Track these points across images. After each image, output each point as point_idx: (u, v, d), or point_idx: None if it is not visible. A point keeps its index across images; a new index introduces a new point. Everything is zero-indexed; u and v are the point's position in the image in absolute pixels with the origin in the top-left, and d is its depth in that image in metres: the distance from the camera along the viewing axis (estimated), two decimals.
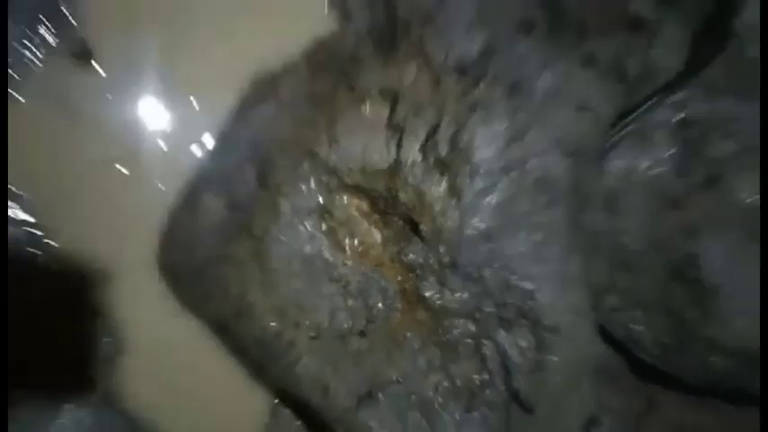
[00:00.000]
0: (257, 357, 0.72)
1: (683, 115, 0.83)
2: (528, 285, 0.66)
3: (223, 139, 0.75)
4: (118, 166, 0.77)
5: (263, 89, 0.74)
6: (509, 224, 0.65)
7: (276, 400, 0.79)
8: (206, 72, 0.75)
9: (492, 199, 0.64)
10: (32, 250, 0.73)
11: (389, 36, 0.70)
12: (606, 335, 0.76)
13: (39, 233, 0.74)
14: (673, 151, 0.82)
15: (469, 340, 0.68)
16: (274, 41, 0.75)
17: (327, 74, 0.71)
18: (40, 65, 0.72)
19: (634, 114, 0.82)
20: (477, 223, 0.64)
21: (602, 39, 0.81)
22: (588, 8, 0.81)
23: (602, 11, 0.81)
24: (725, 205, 0.77)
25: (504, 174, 0.65)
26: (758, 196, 0.79)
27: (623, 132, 0.80)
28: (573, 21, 0.81)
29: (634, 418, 0.84)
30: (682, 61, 0.81)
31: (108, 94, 0.75)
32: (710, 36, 0.81)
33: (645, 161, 0.79)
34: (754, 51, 0.80)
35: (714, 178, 0.80)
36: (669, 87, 0.81)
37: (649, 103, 0.81)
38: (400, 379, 0.69)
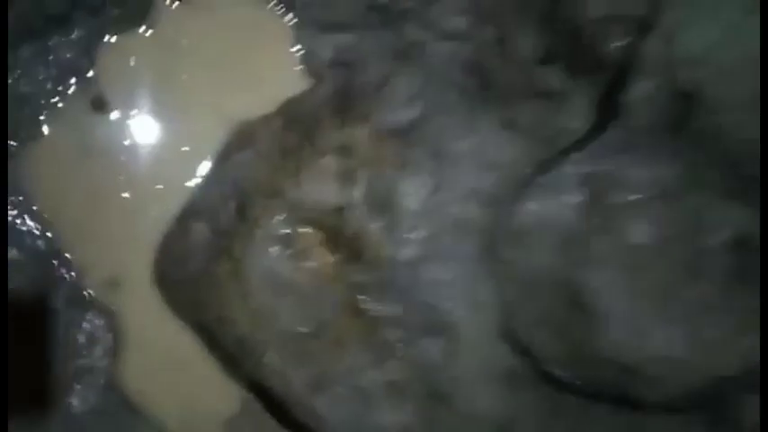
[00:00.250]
0: (234, 354, 0.91)
1: (587, 170, 1.01)
2: (445, 304, 0.85)
3: (210, 177, 0.93)
4: (123, 194, 0.96)
5: (244, 138, 0.93)
6: (431, 255, 0.83)
7: (248, 392, 0.97)
8: (198, 122, 0.94)
9: (417, 235, 0.83)
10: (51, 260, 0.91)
11: (346, 103, 0.89)
12: (516, 346, 0.95)
13: (57, 246, 0.93)
14: (577, 199, 1.00)
15: (400, 344, 0.86)
16: (255, 99, 0.94)
17: (296, 129, 0.90)
18: (65, 109, 0.90)
19: (547, 167, 1.00)
20: (406, 253, 0.83)
21: (522, 106, 1.00)
22: (512, 82, 1.00)
23: (523, 84, 1.01)
24: (613, 245, 0.96)
25: (427, 216, 0.83)
26: (645, 240, 0.99)
27: (537, 181, 1.00)
28: (499, 92, 1.01)
29: (542, 417, 1.03)
30: (585, 126, 0.97)
31: (117, 136, 0.93)
32: (608, 106, 1.00)
33: (553, 206, 0.92)
34: (642, 120, 0.99)
35: (608, 222, 1.00)
36: (576, 146, 0.94)
37: (560, 158, 0.94)
38: (345, 373, 0.87)
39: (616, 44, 0.91)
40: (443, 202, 0.83)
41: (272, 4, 0.93)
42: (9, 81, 0.79)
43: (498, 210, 0.92)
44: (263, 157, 0.86)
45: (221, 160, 0.93)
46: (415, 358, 0.86)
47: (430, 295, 0.85)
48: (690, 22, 0.89)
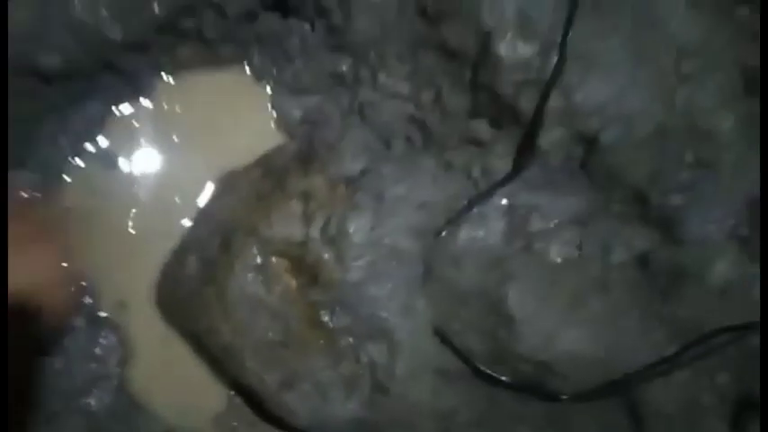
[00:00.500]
0: (219, 359, 1.05)
1: (510, 202, 1.14)
2: (384, 314, 1.04)
3: (200, 218, 1.12)
4: (131, 229, 1.16)
5: (228, 185, 1.13)
6: (373, 277, 1.03)
7: (231, 389, 1.12)
8: (190, 173, 1.13)
9: (361, 262, 1.02)
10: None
11: (308, 156, 1.09)
12: (449, 348, 1.14)
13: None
14: (502, 226, 1.17)
15: (351, 349, 1.03)
16: (237, 153, 1.14)
17: (270, 178, 1.10)
18: (82, 165, 1.10)
19: (477, 201, 1.10)
20: (353, 277, 1.02)
21: (457, 151, 1.18)
22: (448, 132, 1.18)
23: (457, 134, 1.18)
24: (532, 264, 1.13)
25: (368, 247, 1.02)
26: (559, 259, 1.18)
27: (469, 213, 1.09)
28: (438, 141, 1.19)
29: (479, 408, 1.20)
30: (509, 166, 1.10)
31: (125, 186, 1.11)
32: (526, 150, 1.16)
33: (482, 233, 1.08)
34: (555, 161, 1.14)
35: (528, 245, 1.17)
36: (501, 183, 1.09)
37: (488, 194, 1.10)
38: (309, 373, 1.02)
39: (528, 102, 1.10)
40: (382, 235, 1.02)
41: (249, 73, 1.12)
42: (38, 145, 0.98)
43: (432, 238, 1.12)
44: (243, 201, 1.05)
45: (209, 204, 1.13)
46: (363, 359, 1.05)
47: (372, 309, 1.03)
48: (584, 84, 1.07)
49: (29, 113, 0.92)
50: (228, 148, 1.05)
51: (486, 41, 1.00)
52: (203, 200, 1.08)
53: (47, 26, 0.85)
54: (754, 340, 1.07)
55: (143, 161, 1.04)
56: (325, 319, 1.02)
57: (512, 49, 1.00)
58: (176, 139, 1.04)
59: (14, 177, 0.96)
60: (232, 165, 1.04)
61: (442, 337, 1.04)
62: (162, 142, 1.04)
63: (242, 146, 1.05)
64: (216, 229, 1.01)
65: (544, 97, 1.02)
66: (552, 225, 1.10)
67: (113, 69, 0.94)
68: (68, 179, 1.00)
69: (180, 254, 1.02)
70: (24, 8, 0.84)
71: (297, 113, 1.11)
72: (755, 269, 1.07)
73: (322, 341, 1.02)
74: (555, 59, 1.01)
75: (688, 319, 1.08)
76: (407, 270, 1.00)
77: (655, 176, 1.06)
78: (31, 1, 0.85)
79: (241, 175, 1.02)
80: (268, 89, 1.08)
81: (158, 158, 1.05)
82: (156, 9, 0.91)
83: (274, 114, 1.09)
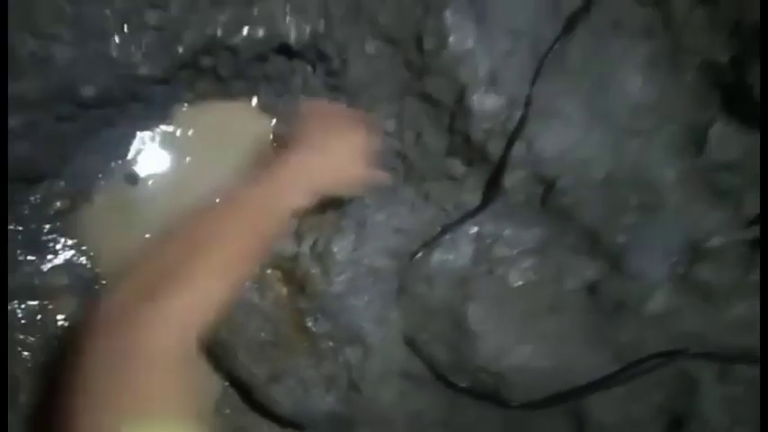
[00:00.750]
0: (217, 353, 1.22)
1: (478, 231, 1.30)
2: (359, 322, 1.21)
3: None
4: (146, 235, 1.32)
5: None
6: (352, 291, 1.20)
7: (226, 381, 1.27)
8: (197, 188, 1.27)
9: (343, 277, 1.19)
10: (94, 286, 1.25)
11: None
12: (417, 356, 1.31)
13: (98, 276, 1.27)
14: (470, 251, 1.34)
15: (331, 352, 1.20)
16: (240, 173, 1.31)
17: None
18: (107, 183, 1.26)
19: (449, 229, 1.24)
20: (335, 289, 1.19)
21: (434, 184, 1.34)
22: (427, 167, 1.34)
23: (435, 169, 1.35)
24: (493, 286, 1.29)
25: (350, 264, 1.18)
26: (518, 283, 1.34)
27: (442, 238, 1.24)
28: (418, 174, 1.36)
29: (443, 412, 1.36)
30: (478, 200, 1.26)
31: (144, 200, 1.28)
32: (494, 187, 1.34)
33: (451, 257, 1.21)
34: (518, 198, 1.28)
35: (492, 269, 1.33)
36: (471, 214, 1.22)
37: (459, 223, 1.24)
38: (294, 370, 1.16)
39: (495, 147, 1.27)
40: (362, 255, 1.19)
41: (256, 105, 1.29)
42: (73, 160, 1.15)
43: (409, 259, 1.29)
44: None
45: None
46: (341, 361, 1.22)
47: (351, 318, 1.21)
48: (545, 135, 1.23)
49: (67, 134, 1.08)
50: (233, 169, 1.20)
51: (461, 94, 1.16)
52: None
53: (86, 62, 1.02)
54: (684, 365, 1.22)
55: (159, 179, 1.19)
56: (310, 324, 1.16)
57: (483, 101, 1.16)
58: (189, 159, 1.18)
59: (50, 186, 1.12)
60: (234, 184, 1.19)
61: (411, 345, 1.20)
62: (177, 162, 1.19)
63: (245, 167, 1.20)
64: None
65: (509, 144, 1.17)
66: (514, 253, 1.25)
67: (140, 99, 1.11)
68: (94, 193, 1.14)
69: None
70: (69, 47, 1.00)
71: None
72: (686, 302, 1.22)
73: (306, 344, 1.16)
74: (520, 112, 1.16)
75: (628, 343, 1.23)
76: (383, 286, 1.16)
77: (604, 217, 1.21)
78: (75, 41, 1.00)
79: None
80: (273, 120, 1.22)
81: (172, 177, 1.19)
82: (180, 50, 1.07)
83: (275, 143, 1.24)
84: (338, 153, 0.96)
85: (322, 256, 1.13)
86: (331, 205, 1.09)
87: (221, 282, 0.69)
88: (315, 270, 1.12)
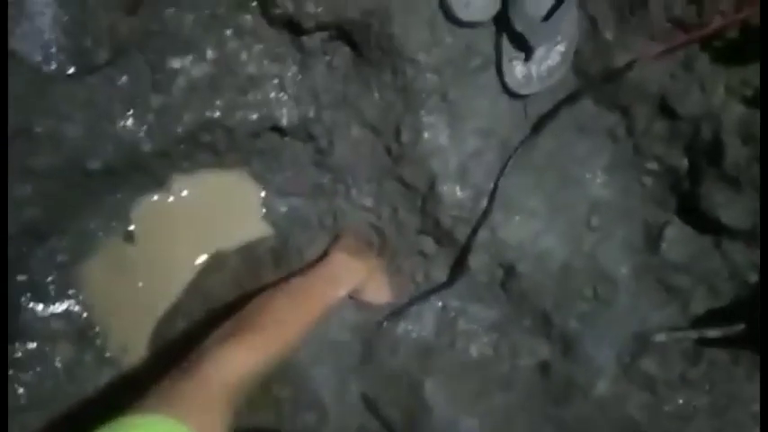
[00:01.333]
0: None
1: (443, 305, 1.44)
2: (320, 390, 1.33)
3: (190, 288, 1.46)
4: (138, 284, 1.46)
5: (214, 265, 1.44)
6: (317, 360, 1.33)
7: None
8: (186, 250, 1.42)
9: (308, 351, 1.33)
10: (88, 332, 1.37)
11: (280, 255, 1.38)
12: (376, 417, 1.42)
13: (92, 322, 1.40)
14: (434, 324, 1.45)
15: (292, 413, 1.37)
16: (230, 237, 1.44)
17: (247, 265, 1.40)
18: (106, 240, 1.39)
19: (416, 301, 1.35)
20: (301, 360, 1.33)
21: (406, 260, 1.47)
22: (401, 243, 1.46)
23: (408, 245, 1.47)
24: (451, 359, 1.40)
25: (314, 338, 1.33)
26: (475, 357, 1.45)
27: (409, 310, 1.44)
28: (392, 249, 1.48)
29: None
30: (445, 277, 1.38)
31: (139, 257, 1.43)
32: (459, 266, 1.44)
33: (415, 328, 1.31)
34: (481, 279, 1.41)
35: (453, 342, 1.44)
36: (438, 289, 1.33)
37: (426, 296, 1.35)
38: (254, 429, 1.37)
39: (462, 232, 1.38)
40: (326, 331, 1.33)
41: (249, 176, 1.42)
42: (78, 220, 1.29)
43: (377, 326, 1.40)
44: (224, 284, 1.36)
45: (198, 279, 1.42)
46: (299, 424, 1.34)
47: (313, 384, 1.34)
48: (507, 225, 1.34)
49: (73, 198, 1.22)
50: (223, 232, 1.32)
51: (433, 182, 1.27)
52: (196, 273, 1.34)
53: (94, 140, 1.15)
54: None
55: (154, 239, 1.32)
56: (278, 394, 1.28)
57: (452, 192, 1.27)
58: (184, 223, 1.31)
59: (56, 242, 1.26)
60: (224, 246, 1.32)
61: (370, 406, 1.32)
62: (172, 224, 1.32)
63: (234, 231, 1.32)
64: (203, 302, 1.30)
65: (474, 231, 1.28)
66: (475, 328, 1.37)
67: (141, 169, 1.25)
68: (94, 248, 1.27)
69: (170, 317, 1.31)
70: (80, 125, 1.14)
71: (283, 209, 1.38)
72: (630, 390, 1.32)
73: (274, 407, 1.27)
74: (485, 204, 1.27)
75: (573, 424, 1.33)
76: (348, 356, 1.28)
77: (558, 303, 1.31)
78: (86, 120, 1.14)
79: (225, 257, 1.31)
80: (262, 191, 1.35)
81: (165, 237, 1.33)
82: (180, 130, 1.21)
83: (263, 210, 1.37)
84: (371, 265, 1.26)
85: None
86: None
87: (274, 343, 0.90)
88: None
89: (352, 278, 1.17)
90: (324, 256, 1.24)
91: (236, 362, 0.79)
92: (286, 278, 1.11)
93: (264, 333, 0.88)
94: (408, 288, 1.30)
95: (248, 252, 1.28)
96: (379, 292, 1.30)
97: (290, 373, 1.19)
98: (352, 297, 1.24)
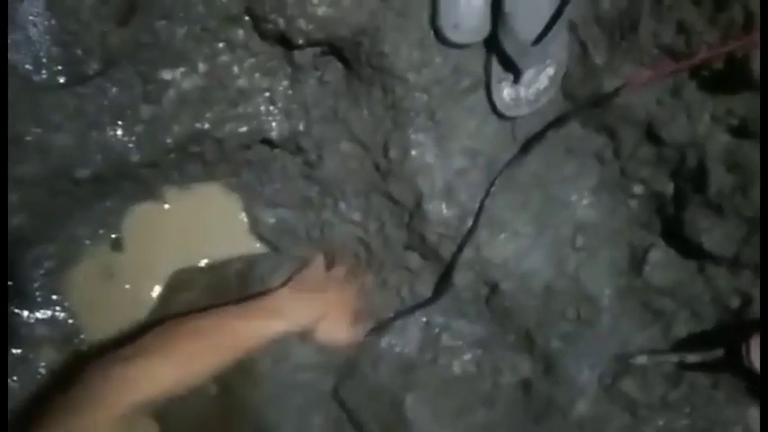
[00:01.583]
0: None
1: (427, 320, 1.44)
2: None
3: (159, 304, 1.45)
4: (125, 286, 1.46)
5: (180, 283, 1.44)
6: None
7: None
8: (170, 259, 1.42)
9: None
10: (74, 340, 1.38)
11: (245, 279, 1.38)
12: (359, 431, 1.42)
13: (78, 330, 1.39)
14: (418, 340, 1.46)
15: None
16: (215, 250, 1.45)
17: (214, 285, 1.41)
18: (94, 248, 1.38)
19: (401, 316, 1.36)
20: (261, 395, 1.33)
21: (393, 273, 1.47)
22: (387, 257, 1.47)
23: (394, 260, 1.48)
24: (434, 375, 1.40)
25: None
26: (459, 374, 1.45)
27: (393, 324, 1.42)
28: (379, 262, 1.49)
29: None
30: (431, 292, 1.37)
31: (128, 265, 1.43)
32: (444, 283, 1.44)
33: (399, 344, 1.31)
34: (466, 295, 1.41)
35: (436, 358, 1.45)
36: (422, 305, 1.33)
37: (411, 311, 1.32)
38: None
39: (447, 250, 1.39)
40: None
41: (234, 185, 1.42)
42: (66, 228, 1.29)
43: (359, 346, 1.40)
44: (190, 303, 1.34)
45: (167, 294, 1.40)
46: None
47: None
48: (492, 243, 1.35)
49: (63, 205, 1.22)
50: (209, 243, 1.33)
51: (419, 199, 1.28)
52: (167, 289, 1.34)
53: (83, 149, 1.16)
54: None
55: (142, 247, 1.33)
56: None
57: (438, 210, 1.27)
58: (170, 233, 1.32)
59: (44, 250, 1.27)
60: (210, 259, 1.33)
61: (352, 419, 1.32)
62: (159, 234, 1.33)
63: (216, 245, 1.33)
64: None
65: (459, 249, 1.28)
66: (458, 344, 1.37)
67: (130, 178, 1.25)
68: (81, 256, 1.28)
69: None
70: (70, 135, 1.14)
71: (271, 221, 1.39)
72: (610, 411, 1.33)
73: None
74: (470, 222, 1.28)
75: None
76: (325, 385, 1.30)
77: (541, 322, 1.32)
78: (76, 129, 1.15)
79: (192, 276, 1.31)
80: (249, 203, 1.36)
81: (151, 246, 1.33)
82: (170, 140, 1.21)
83: (249, 222, 1.37)
84: (329, 301, 1.17)
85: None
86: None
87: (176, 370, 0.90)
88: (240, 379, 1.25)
89: (297, 314, 1.09)
90: (281, 285, 1.17)
91: (132, 386, 0.83)
92: (225, 303, 1.07)
93: (168, 360, 0.89)
94: (367, 326, 1.28)
95: (217, 271, 1.26)
96: (334, 332, 1.17)
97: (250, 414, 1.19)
98: (304, 337, 1.14)
